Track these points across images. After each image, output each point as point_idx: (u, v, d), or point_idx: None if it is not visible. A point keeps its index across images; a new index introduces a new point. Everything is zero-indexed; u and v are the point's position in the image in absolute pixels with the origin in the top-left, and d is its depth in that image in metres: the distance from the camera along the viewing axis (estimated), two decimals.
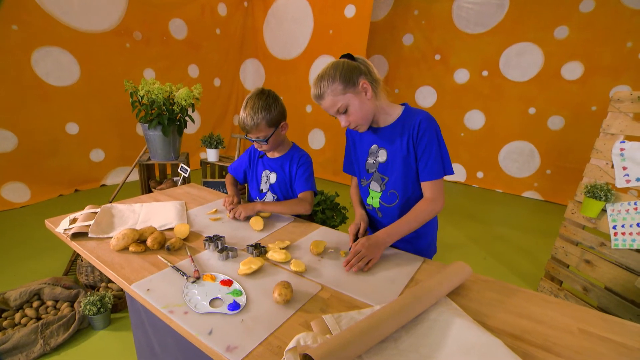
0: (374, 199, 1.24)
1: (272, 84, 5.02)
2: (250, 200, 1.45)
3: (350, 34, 4.14)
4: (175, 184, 2.44)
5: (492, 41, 4.32)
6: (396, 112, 1.15)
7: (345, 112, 1.07)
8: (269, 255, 1.03)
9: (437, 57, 4.67)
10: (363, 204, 1.33)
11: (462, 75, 4.59)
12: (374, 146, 1.20)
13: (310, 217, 1.53)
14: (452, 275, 0.88)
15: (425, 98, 4.90)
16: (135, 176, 3.94)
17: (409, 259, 1.08)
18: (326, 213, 2.47)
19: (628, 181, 1.89)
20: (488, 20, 4.31)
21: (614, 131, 1.98)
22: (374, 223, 1.29)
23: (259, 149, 1.44)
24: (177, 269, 0.94)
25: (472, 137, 4.70)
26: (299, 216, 1.44)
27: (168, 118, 2.33)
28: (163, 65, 4.45)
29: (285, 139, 1.50)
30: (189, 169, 2.17)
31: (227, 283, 0.88)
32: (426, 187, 1.12)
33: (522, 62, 4.25)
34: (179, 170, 2.16)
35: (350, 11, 4.08)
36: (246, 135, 1.37)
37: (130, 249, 1.04)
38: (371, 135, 1.21)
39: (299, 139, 4.77)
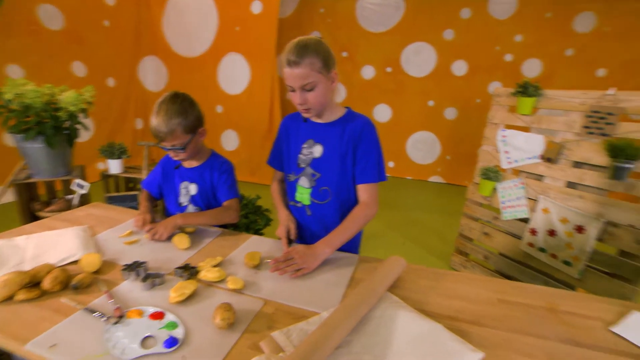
0: (304, 195, 1.21)
1: (177, 84, 4.62)
2: (170, 216, 1.32)
3: (259, 31, 4.05)
4: (69, 204, 2.09)
5: (392, 40, 4.67)
6: (339, 111, 1.16)
7: (309, 90, 1.03)
8: (202, 275, 0.95)
9: (344, 54, 4.86)
10: (286, 203, 1.31)
11: (368, 72, 4.87)
12: (310, 140, 1.18)
13: (234, 224, 1.45)
14: (390, 270, 0.93)
15: (337, 94, 5.08)
16: (8, 198, 3.25)
17: (344, 258, 1.09)
18: (249, 217, 2.39)
19: (510, 163, 2.23)
20: (388, 20, 4.64)
21: (496, 121, 2.31)
22: (301, 222, 1.25)
23: (175, 158, 1.30)
24: (92, 311, 0.79)
25: (381, 129, 4.85)
26: (225, 227, 1.35)
27: (53, 127, 1.97)
28: (33, 61, 3.67)
29: (204, 146, 1.39)
30: (86, 185, 1.88)
31: (158, 316, 0.77)
32: (362, 190, 1.15)
33: (419, 59, 4.69)
34: (73, 187, 1.85)
35: (256, 7, 3.99)
36: (160, 143, 1.23)
37: (18, 297, 0.82)
38: (309, 129, 1.19)
39: (211, 141, 4.49)
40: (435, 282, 0.96)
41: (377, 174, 1.14)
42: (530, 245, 2.12)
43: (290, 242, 1.16)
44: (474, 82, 4.52)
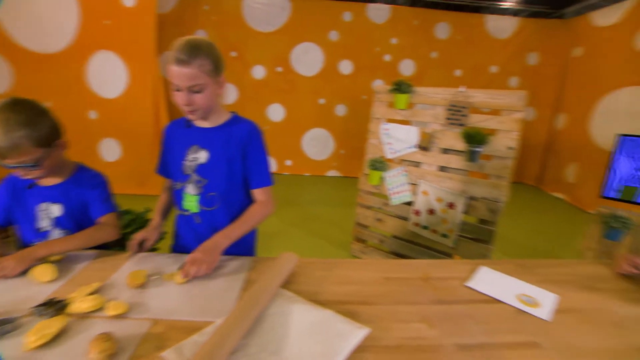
0: (191, 203, 1.16)
1: (27, 86, 3.65)
2: (26, 245, 1.09)
3: (134, 27, 3.65)
4: None
5: (281, 40, 4.74)
6: (225, 116, 1.15)
7: (197, 92, 0.99)
8: (73, 308, 0.82)
9: (234, 54, 4.74)
10: (165, 212, 1.27)
11: (259, 71, 4.85)
12: (194, 146, 1.14)
13: (121, 243, 1.30)
14: (281, 267, 0.94)
15: (228, 95, 4.90)
16: None
17: (237, 262, 1.07)
18: None
19: (393, 153, 2.49)
20: (275, 20, 4.68)
21: (379, 116, 2.55)
22: (191, 231, 1.20)
23: (26, 177, 1.09)
24: None
25: (276, 128, 5.07)
26: (106, 247, 1.20)
27: None
28: None
29: (66, 160, 1.20)
30: None
31: None
32: (258, 193, 1.16)
33: (308, 59, 4.87)
34: None
35: (128, 0, 3.59)
36: (1, 161, 1.01)
37: None
38: (193, 134, 1.14)
39: (84, 153, 3.80)
40: (328, 272, 1.01)
41: (270, 177, 1.18)
42: (416, 224, 2.40)
43: (139, 250, 1.13)
44: (359, 80, 4.89)
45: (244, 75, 4.82)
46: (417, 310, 0.85)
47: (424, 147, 2.33)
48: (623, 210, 2.31)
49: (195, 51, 0.95)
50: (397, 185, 2.47)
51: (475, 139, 2.07)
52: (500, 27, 4.98)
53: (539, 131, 5.29)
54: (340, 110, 5.08)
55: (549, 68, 5.09)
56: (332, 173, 5.31)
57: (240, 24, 4.64)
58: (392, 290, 0.93)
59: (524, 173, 5.57)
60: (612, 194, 2.48)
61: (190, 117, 1.07)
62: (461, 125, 2.18)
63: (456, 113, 2.20)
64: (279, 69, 4.86)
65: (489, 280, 1.00)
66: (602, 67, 4.31)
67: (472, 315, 0.84)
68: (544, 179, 5.32)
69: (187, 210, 1.18)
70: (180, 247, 1.26)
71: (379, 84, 2.57)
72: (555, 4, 4.83)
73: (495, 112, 2.09)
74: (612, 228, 2.29)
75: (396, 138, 2.46)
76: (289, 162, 5.22)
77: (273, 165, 5.21)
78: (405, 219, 2.47)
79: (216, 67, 1.01)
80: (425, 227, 2.37)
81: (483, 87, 5.07)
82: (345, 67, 4.92)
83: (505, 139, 2.04)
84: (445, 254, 2.32)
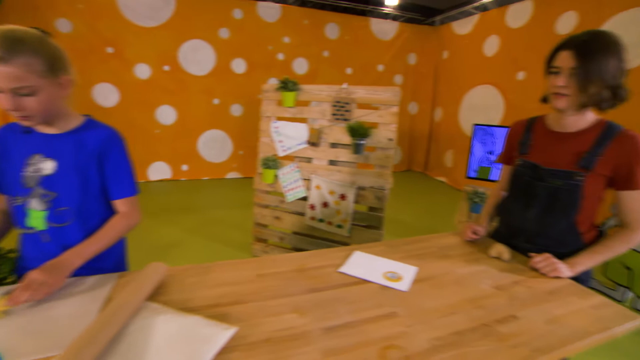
0: (37, 220, 0.99)
1: None
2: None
3: None
4: None
5: (167, 36, 4.37)
6: (77, 120, 1.00)
7: (27, 95, 0.83)
8: None
9: (110, 50, 4.22)
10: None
11: (143, 70, 4.39)
12: (37, 156, 0.96)
13: None
14: (145, 279, 0.85)
15: (107, 97, 4.28)
16: None
17: (96, 279, 0.94)
18: None
19: (285, 150, 2.50)
20: (157, 14, 4.29)
21: (269, 114, 2.54)
22: (38, 251, 1.02)
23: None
24: None
25: (168, 132, 4.67)
26: None
27: None
28: None
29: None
30: None
31: None
32: (120, 204, 1.05)
33: (198, 57, 4.60)
34: None
35: None
36: None
37: None
38: (35, 141, 0.97)
39: None
40: (201, 277, 0.95)
41: (134, 186, 1.07)
42: (312, 218, 2.46)
43: None
44: (253, 79, 4.81)
45: (126, 74, 4.31)
46: (289, 301, 0.85)
47: (313, 143, 2.40)
48: (482, 187, 2.74)
49: (16, 47, 0.79)
50: (291, 182, 2.50)
51: (358, 132, 2.21)
52: (384, 29, 5.45)
53: (423, 123, 5.97)
54: (236, 110, 4.94)
55: (426, 68, 5.78)
56: (232, 175, 5.14)
57: (116, 16, 4.13)
58: (265, 286, 0.92)
59: (412, 161, 6.24)
60: (473, 174, 2.92)
61: (24, 123, 0.91)
62: (346, 120, 2.30)
63: (340, 109, 2.31)
64: (167, 68, 4.48)
65: (360, 264, 1.06)
66: (463, 68, 5.09)
67: (341, 298, 0.88)
68: (429, 165, 6.03)
69: (32, 228, 0.99)
70: (27, 270, 1.05)
71: (268, 83, 2.55)
72: (426, 12, 5.51)
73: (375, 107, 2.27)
74: (475, 202, 2.70)
75: (286, 135, 2.48)
76: (185, 167, 4.88)
77: (166, 171, 4.81)
78: (302, 214, 2.51)
79: (51, 67, 0.86)
80: (321, 220, 2.44)
81: (372, 84, 5.51)
82: (239, 65, 4.80)
83: (385, 131, 2.23)
84: (343, 244, 2.43)
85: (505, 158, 1.30)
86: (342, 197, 2.35)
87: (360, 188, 2.31)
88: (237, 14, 4.64)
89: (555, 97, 1.02)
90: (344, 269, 1.02)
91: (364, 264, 1.06)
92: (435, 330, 0.77)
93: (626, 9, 3.15)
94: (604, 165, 1.00)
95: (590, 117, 1.05)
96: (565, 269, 1.00)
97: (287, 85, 2.37)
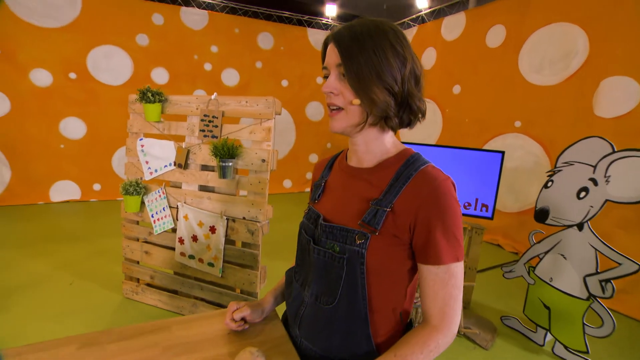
0: None
1: None
2: None
3: None
4: None
5: (73, 39, 3.92)
6: None
7: None
8: None
9: None
10: None
11: (42, 77, 3.88)
12: None
13: None
14: None
15: None
16: None
17: None
18: None
19: (152, 173, 2.10)
20: (61, 14, 3.84)
21: (135, 130, 2.14)
22: None
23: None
24: None
25: (75, 147, 4.15)
26: None
27: None
28: None
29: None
30: None
31: None
32: None
33: (112, 65, 4.16)
34: None
35: None
36: None
37: None
38: None
39: None
40: None
41: None
42: (182, 254, 2.05)
43: None
44: (177, 90, 4.40)
45: (19, 80, 3.77)
46: None
47: (180, 165, 2.01)
48: None
49: None
50: (158, 211, 2.09)
51: (221, 151, 1.83)
52: (321, 40, 5.17)
53: None
54: None
55: None
56: None
57: (4, 14, 3.64)
58: None
59: None
60: None
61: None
62: (214, 137, 1.93)
63: (209, 124, 1.94)
64: (73, 76, 4.01)
65: None
66: None
67: None
68: None
69: None
70: None
71: (132, 95, 2.16)
72: None
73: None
74: None
75: (153, 155, 2.08)
76: (97, 187, 4.36)
77: (74, 192, 4.25)
78: (172, 249, 2.10)
79: None
80: (191, 257, 2.03)
81: (310, 97, 5.18)
82: (160, 75, 4.39)
83: (259, 151, 1.86)
84: (218, 285, 2.03)
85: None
86: (212, 229, 1.95)
87: (231, 219, 1.92)
88: (158, 19, 4.26)
89: (330, 115, 0.68)
90: None
91: None
92: None
93: (547, 23, 3.04)
94: (396, 220, 0.63)
95: (389, 143, 0.70)
96: None
97: (146, 95, 1.98)
